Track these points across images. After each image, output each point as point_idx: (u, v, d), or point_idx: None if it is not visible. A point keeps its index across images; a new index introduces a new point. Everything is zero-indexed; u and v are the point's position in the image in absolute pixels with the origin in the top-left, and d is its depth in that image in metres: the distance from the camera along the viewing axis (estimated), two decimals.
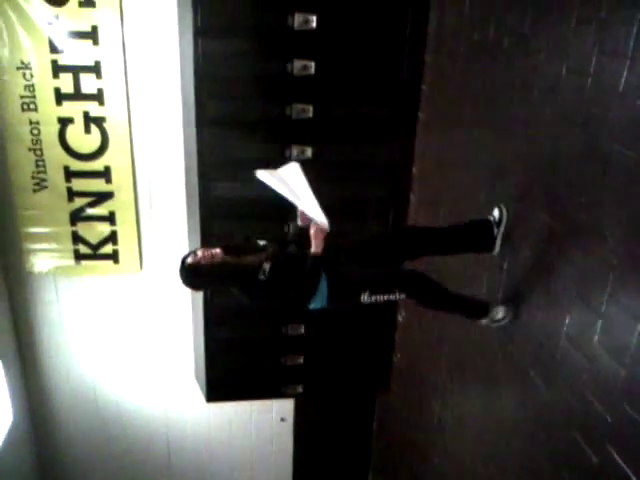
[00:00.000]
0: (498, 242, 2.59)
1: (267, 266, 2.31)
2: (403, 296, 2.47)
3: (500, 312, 2.55)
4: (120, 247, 3.86)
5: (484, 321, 2.59)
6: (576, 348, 2.11)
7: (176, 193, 3.79)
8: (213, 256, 2.34)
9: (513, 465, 2.69)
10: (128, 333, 4.22)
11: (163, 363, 4.38)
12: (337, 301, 2.47)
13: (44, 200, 3.71)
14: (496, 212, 2.60)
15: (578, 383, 2.12)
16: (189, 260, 2.37)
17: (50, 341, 4.17)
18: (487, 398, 2.94)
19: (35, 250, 3.83)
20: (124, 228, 3.82)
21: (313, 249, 2.38)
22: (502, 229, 2.57)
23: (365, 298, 2.42)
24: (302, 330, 4.00)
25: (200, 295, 4.06)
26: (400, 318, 4.17)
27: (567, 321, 2.16)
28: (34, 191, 3.67)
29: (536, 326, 2.40)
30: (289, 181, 2.41)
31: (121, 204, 3.76)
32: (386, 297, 2.44)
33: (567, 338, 2.17)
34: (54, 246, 3.83)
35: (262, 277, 2.31)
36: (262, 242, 2.51)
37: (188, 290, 4.03)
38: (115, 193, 3.73)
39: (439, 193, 3.43)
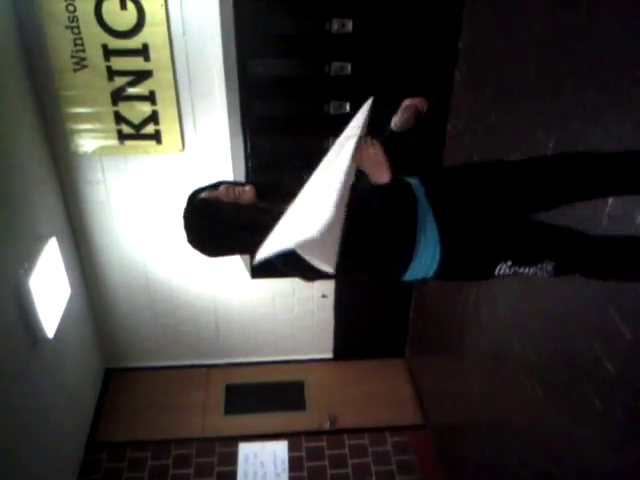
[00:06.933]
0: None
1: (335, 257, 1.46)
2: (550, 268, 1.63)
3: None
4: (162, 127, 3.86)
5: None
6: (618, 227, 2.10)
7: (215, 71, 3.73)
8: (239, 194, 1.67)
9: (547, 343, 2.76)
10: (173, 213, 4.31)
11: None
12: (454, 272, 1.68)
13: (84, 80, 3.69)
14: None
15: None
16: (202, 194, 1.72)
17: (99, 219, 4.32)
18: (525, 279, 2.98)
19: (79, 131, 3.88)
20: (165, 108, 3.80)
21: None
22: None
23: (502, 269, 1.62)
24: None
25: (242, 172, 4.10)
26: None
27: (610, 201, 2.13)
28: (74, 70, 3.66)
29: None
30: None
31: (161, 83, 3.72)
32: (529, 271, 1.63)
33: (609, 217, 2.15)
34: (97, 126, 3.86)
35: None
36: None
37: (230, 171, 4.10)
38: (154, 72, 3.68)
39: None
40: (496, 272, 1.63)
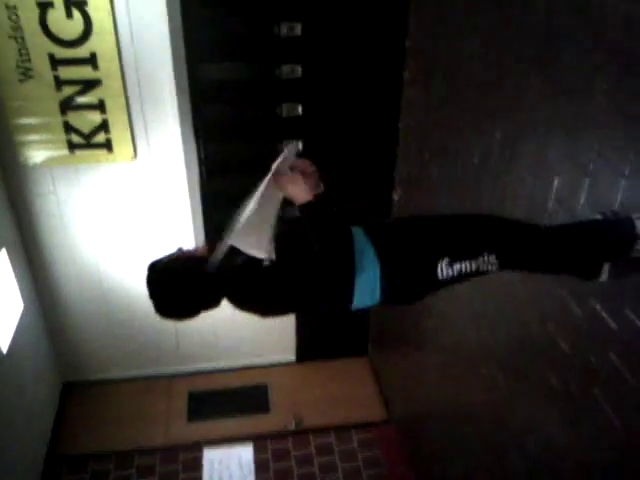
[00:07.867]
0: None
1: (271, 246, 1.63)
2: (494, 260, 1.69)
3: None
4: (113, 135, 3.82)
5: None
6: (564, 209, 2.21)
7: (165, 78, 3.72)
8: (195, 250, 1.83)
9: (503, 326, 2.87)
10: (128, 221, 4.28)
11: (164, 247, 4.48)
12: (399, 287, 1.71)
13: (31, 90, 3.63)
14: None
15: None
16: (163, 261, 1.82)
17: (51, 231, 4.24)
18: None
19: (28, 142, 3.80)
20: (115, 116, 3.77)
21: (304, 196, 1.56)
22: None
23: (443, 270, 1.66)
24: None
25: (196, 178, 4.10)
26: (396, 197, 4.26)
27: (555, 184, 2.24)
28: (20, 81, 3.59)
29: (526, 189, 2.47)
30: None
31: (110, 91, 3.69)
32: (471, 266, 1.68)
33: (555, 200, 2.25)
34: (46, 137, 3.79)
35: (267, 262, 1.63)
36: None
37: (184, 177, 4.08)
38: (103, 80, 3.65)
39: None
40: (439, 274, 1.66)
